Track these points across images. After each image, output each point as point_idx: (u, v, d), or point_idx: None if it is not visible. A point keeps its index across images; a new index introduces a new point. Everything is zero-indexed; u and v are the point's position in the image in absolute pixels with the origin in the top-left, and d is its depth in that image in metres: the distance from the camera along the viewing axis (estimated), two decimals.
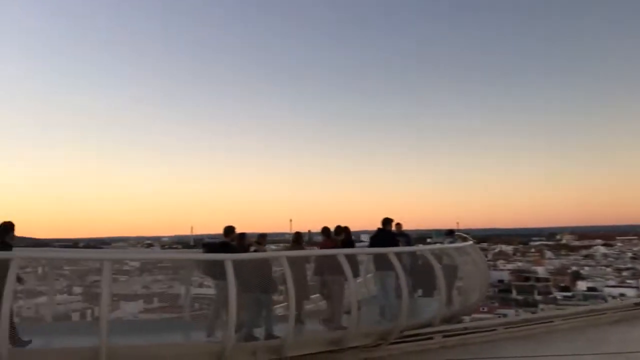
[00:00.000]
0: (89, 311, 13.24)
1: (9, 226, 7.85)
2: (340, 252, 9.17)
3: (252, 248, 9.63)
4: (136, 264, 14.91)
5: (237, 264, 8.09)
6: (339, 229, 10.38)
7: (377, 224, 10.97)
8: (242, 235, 9.64)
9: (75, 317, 12.48)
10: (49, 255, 10.44)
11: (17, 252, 7.42)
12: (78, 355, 7.33)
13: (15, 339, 7.12)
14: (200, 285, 11.40)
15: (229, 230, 9.33)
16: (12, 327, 7.18)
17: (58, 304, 10.63)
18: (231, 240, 9.31)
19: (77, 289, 12.80)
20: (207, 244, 10.22)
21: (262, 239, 10.00)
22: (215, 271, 7.98)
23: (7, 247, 7.67)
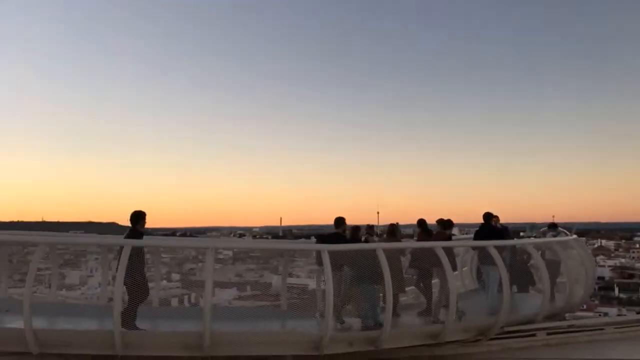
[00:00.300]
0: (186, 297, 13.90)
1: (140, 215, 8.23)
2: (438, 245, 8.95)
3: (363, 238, 9.65)
4: (229, 252, 15.34)
5: (345, 255, 8.27)
6: (448, 222, 10.10)
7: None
8: (357, 228, 9.60)
9: (174, 302, 13.04)
10: (157, 243, 10.71)
11: (127, 240, 7.80)
12: (184, 338, 7.68)
13: (131, 324, 7.52)
14: (291, 275, 11.52)
15: (340, 221, 9.32)
16: (134, 313, 7.60)
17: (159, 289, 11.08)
18: (342, 231, 9.30)
19: (176, 276, 13.42)
20: (319, 235, 10.28)
21: (371, 230, 9.99)
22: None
23: (138, 234, 8.09)
